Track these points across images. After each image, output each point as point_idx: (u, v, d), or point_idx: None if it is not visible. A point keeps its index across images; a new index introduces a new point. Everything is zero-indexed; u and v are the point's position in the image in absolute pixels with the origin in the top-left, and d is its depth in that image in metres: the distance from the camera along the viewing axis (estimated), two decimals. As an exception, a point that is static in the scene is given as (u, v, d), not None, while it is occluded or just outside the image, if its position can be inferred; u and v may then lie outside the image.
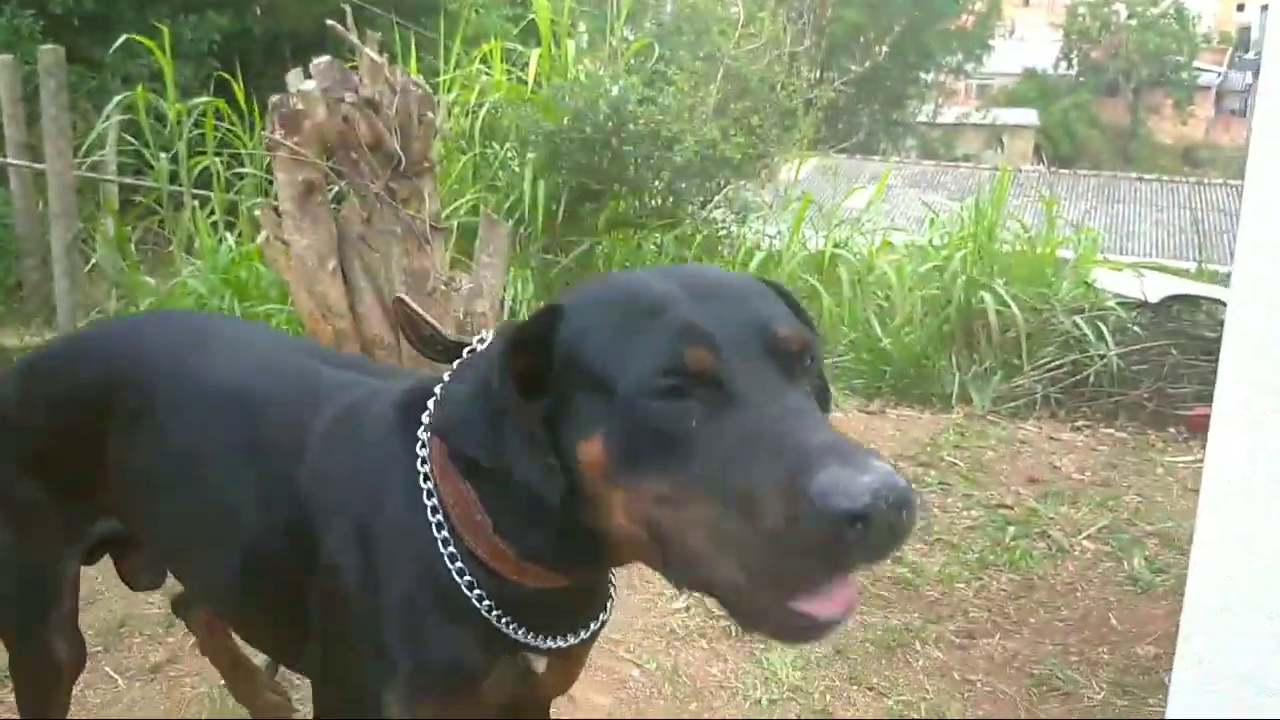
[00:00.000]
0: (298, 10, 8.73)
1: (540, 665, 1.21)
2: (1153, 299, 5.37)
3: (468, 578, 1.12)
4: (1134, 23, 33.24)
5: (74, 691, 1.75)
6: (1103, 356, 4.99)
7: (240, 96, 6.16)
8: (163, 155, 6.13)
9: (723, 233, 6.77)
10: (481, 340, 1.19)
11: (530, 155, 6.08)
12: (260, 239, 3.81)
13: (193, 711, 2.27)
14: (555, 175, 6.11)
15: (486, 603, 1.12)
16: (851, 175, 7.63)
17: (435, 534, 1.12)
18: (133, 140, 6.40)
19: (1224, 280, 6.19)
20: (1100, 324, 5.15)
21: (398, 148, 3.61)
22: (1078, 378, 5.01)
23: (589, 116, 5.72)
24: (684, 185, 6.44)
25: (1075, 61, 34.78)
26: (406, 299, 1.39)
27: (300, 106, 2.91)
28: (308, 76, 2.97)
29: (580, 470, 0.98)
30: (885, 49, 12.40)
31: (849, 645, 2.65)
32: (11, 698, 1.71)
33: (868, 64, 10.90)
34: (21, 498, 1.52)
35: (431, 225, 3.89)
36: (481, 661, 1.16)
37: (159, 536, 1.48)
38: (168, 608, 2.52)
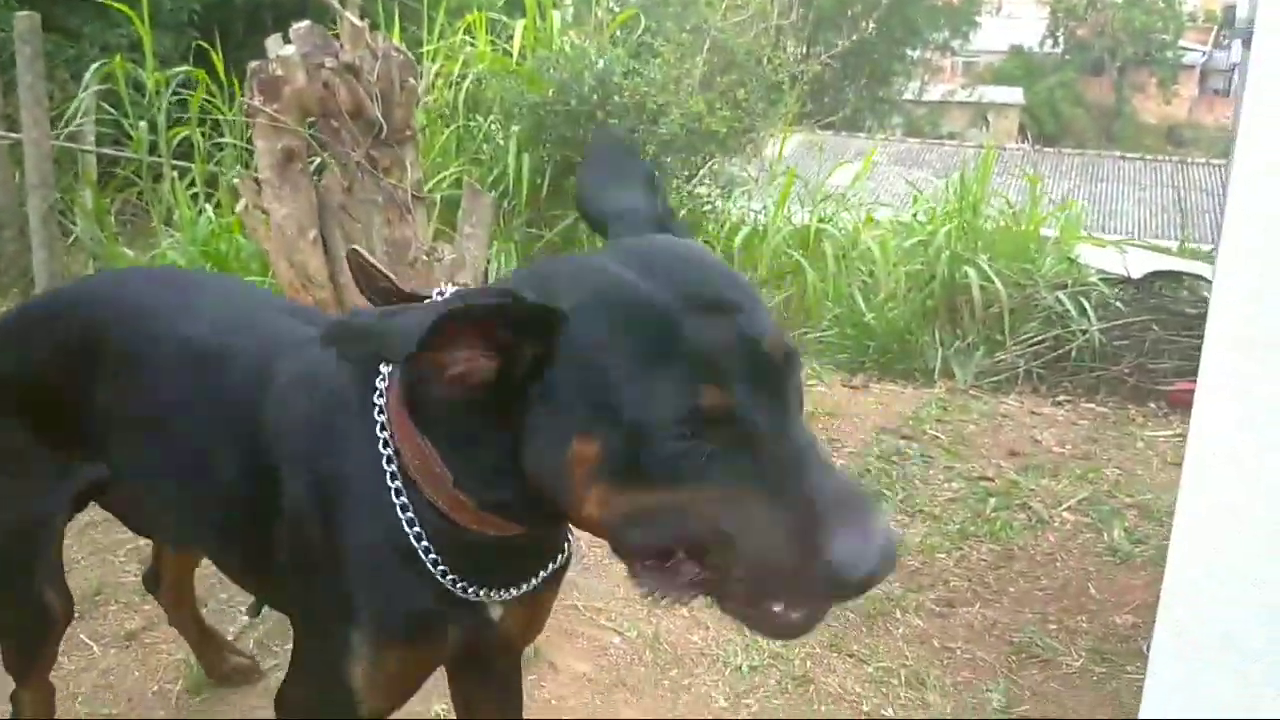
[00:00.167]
0: (279, -20, 8.63)
1: (496, 613, 1.24)
2: (1135, 275, 5.38)
3: (417, 529, 1.14)
4: (1120, 0, 33.19)
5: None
6: (1084, 332, 5.00)
7: (220, 67, 6.09)
8: (142, 125, 6.06)
9: (707, 208, 6.75)
10: (441, 294, 1.18)
11: (514, 128, 6.03)
12: (239, 208, 3.77)
13: (168, 678, 2.26)
14: (540, 148, 6.07)
15: (433, 556, 1.15)
16: (837, 152, 7.60)
17: (390, 484, 1.14)
18: (111, 110, 6.31)
19: (1206, 257, 6.23)
20: (1083, 300, 5.16)
21: (379, 114, 3.57)
22: (1059, 352, 5.02)
23: (574, 89, 5.68)
24: (669, 159, 6.41)
25: (1061, 39, 34.73)
26: (360, 250, 1.39)
27: (280, 72, 2.87)
28: (287, 42, 2.93)
29: (565, 459, 0.97)
30: (872, 24, 12.33)
31: (830, 613, 2.66)
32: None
33: (854, 39, 10.84)
34: (8, 445, 1.53)
35: (413, 194, 3.85)
36: (437, 611, 1.19)
37: (143, 480, 1.50)
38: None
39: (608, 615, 2.61)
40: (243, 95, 3.31)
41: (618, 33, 6.60)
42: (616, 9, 7.03)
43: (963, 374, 4.97)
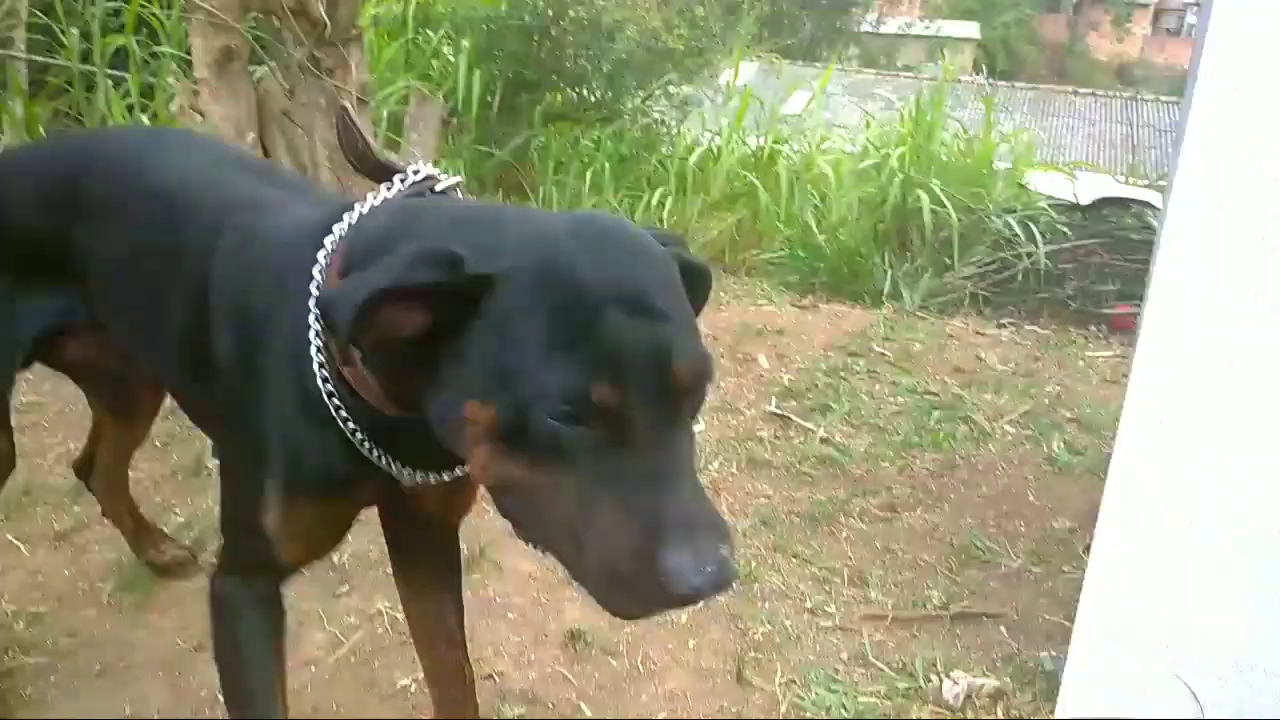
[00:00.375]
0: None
1: (407, 481, 1.25)
2: (1084, 202, 5.42)
3: (336, 400, 1.17)
4: (1078, -63, 33.06)
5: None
6: (1031, 255, 5.04)
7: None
8: (74, 32, 5.79)
9: (662, 128, 6.66)
10: (416, 172, 1.24)
11: (465, 43, 5.87)
12: (174, 108, 3.63)
13: (100, 577, 2.21)
14: (491, 65, 5.92)
15: (351, 425, 1.18)
16: (793, 80, 7.50)
17: (314, 356, 1.16)
18: (43, 15, 6.02)
19: (1154, 186, 6.27)
20: (1031, 225, 5.20)
21: (323, 13, 3.44)
22: (1005, 275, 5.06)
23: (527, 2, 5.53)
24: (625, 78, 6.30)
25: (1020, -26, 34.57)
26: (349, 109, 1.45)
27: (215, -40, 2.74)
28: (222, -72, 2.79)
29: (459, 417, 1.00)
30: (830, -49, 12.16)
31: (775, 517, 2.68)
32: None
33: (812, -35, 10.68)
34: None
35: (358, 98, 3.73)
36: (347, 468, 1.22)
37: (113, 319, 1.55)
38: (74, 477, 2.44)
39: (553, 519, 2.60)
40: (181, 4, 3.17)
41: (572, -55, 6.41)
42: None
43: (910, 295, 4.99)
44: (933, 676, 2.06)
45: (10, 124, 5.47)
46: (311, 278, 1.16)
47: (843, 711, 1.95)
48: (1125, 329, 4.81)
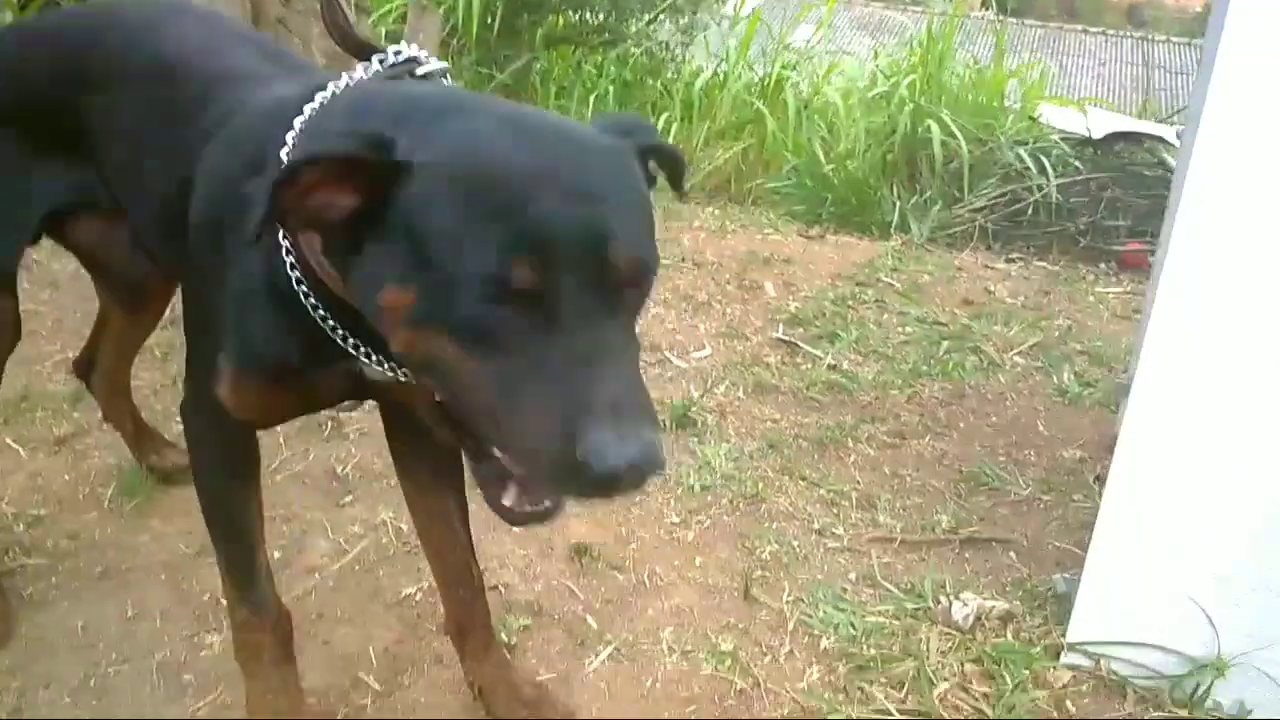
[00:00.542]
0: None
1: (371, 373, 1.24)
2: (1097, 135, 5.32)
3: (298, 274, 1.15)
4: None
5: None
6: (1042, 189, 4.96)
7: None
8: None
9: (667, 54, 6.52)
10: (398, 53, 1.23)
11: (465, -42, 5.69)
12: (169, 11, 3.51)
13: (100, 482, 2.17)
14: (491, -19, 5.75)
15: (312, 301, 1.16)
16: (801, 6, 7.33)
17: (279, 237, 1.15)
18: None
19: (1167, 122, 6.17)
20: (1042, 157, 5.10)
21: (320, -88, 3.31)
22: (1015, 208, 4.98)
23: (529, -85, 5.35)
24: (629, 0, 6.14)
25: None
26: None
27: None
28: None
29: (380, 300, 0.99)
30: (842, -123, 11.81)
31: (782, 440, 2.65)
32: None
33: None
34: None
35: (356, 5, 3.62)
36: (305, 360, 1.22)
37: (120, 194, 1.53)
38: (73, 384, 2.40)
39: (559, 437, 2.56)
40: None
41: None
42: None
43: (919, 228, 4.92)
44: (941, 598, 2.04)
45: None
46: (279, 159, 1.13)
47: (850, 630, 1.94)
48: (1135, 266, 4.75)
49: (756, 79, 5.97)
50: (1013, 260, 4.79)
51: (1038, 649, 1.88)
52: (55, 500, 2.11)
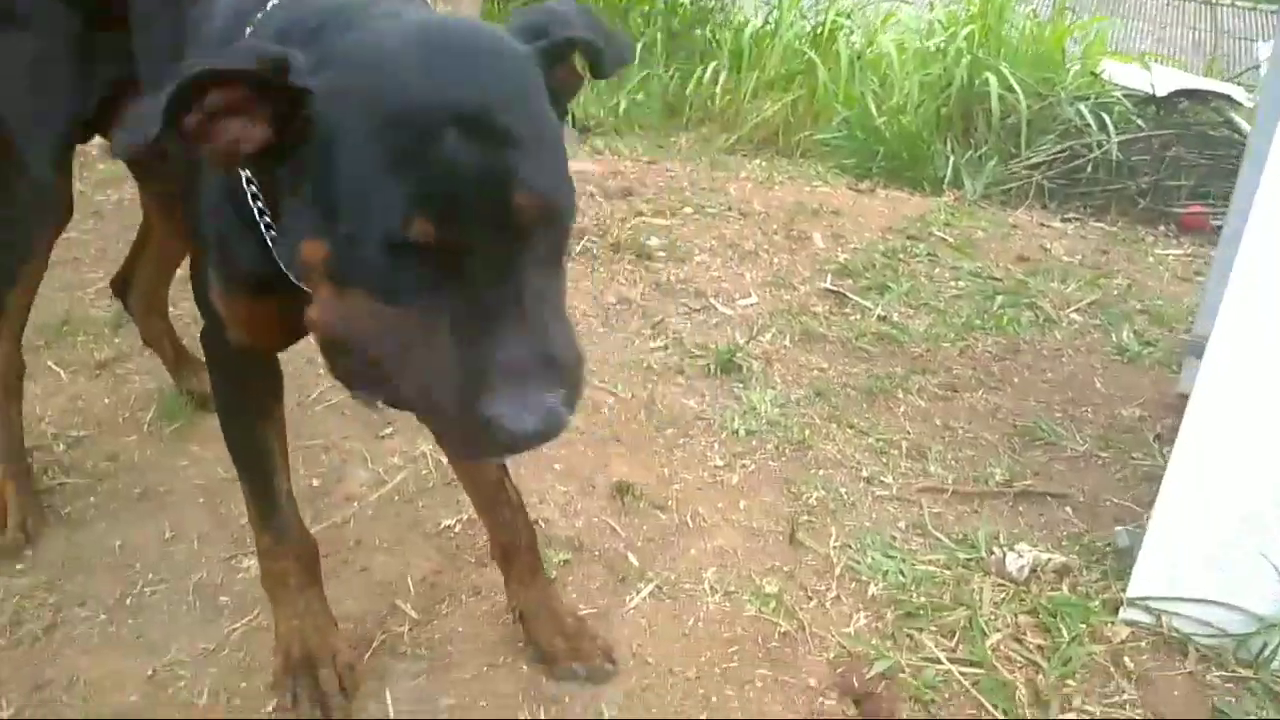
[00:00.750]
0: None
1: None
2: (1161, 93, 5.13)
3: (260, 204, 1.11)
4: None
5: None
6: (1102, 145, 4.79)
7: None
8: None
9: (716, 2, 6.38)
10: None
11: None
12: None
13: (140, 406, 2.15)
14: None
15: (273, 233, 1.12)
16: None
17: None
18: None
19: (1236, 80, 5.94)
20: (1103, 114, 4.93)
21: None
22: (1074, 165, 4.82)
23: None
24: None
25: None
26: None
27: None
28: None
29: (299, 255, 0.96)
30: None
31: (830, 389, 2.58)
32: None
33: None
34: (60, 34, 1.54)
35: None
36: (277, 279, 1.14)
37: (145, 73, 1.48)
38: (115, 310, 2.38)
39: (601, 378, 2.51)
40: None
41: None
42: None
43: (973, 184, 4.78)
44: (995, 549, 1.97)
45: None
46: None
47: (900, 577, 1.88)
48: (1196, 228, 4.59)
49: (808, 28, 5.81)
50: (1069, 220, 4.63)
51: (1095, 603, 1.81)
52: (95, 422, 2.10)
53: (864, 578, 1.88)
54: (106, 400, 2.17)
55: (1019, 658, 1.69)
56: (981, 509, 2.15)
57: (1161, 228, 4.71)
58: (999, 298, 3.34)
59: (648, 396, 2.44)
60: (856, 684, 1.59)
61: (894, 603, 1.81)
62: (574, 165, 3.83)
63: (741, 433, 2.33)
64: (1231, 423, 1.70)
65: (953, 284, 3.47)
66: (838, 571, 1.89)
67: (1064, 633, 1.73)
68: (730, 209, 3.92)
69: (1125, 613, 1.79)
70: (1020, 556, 1.91)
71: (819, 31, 5.72)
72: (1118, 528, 2.03)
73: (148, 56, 1.44)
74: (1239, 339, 1.68)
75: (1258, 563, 1.70)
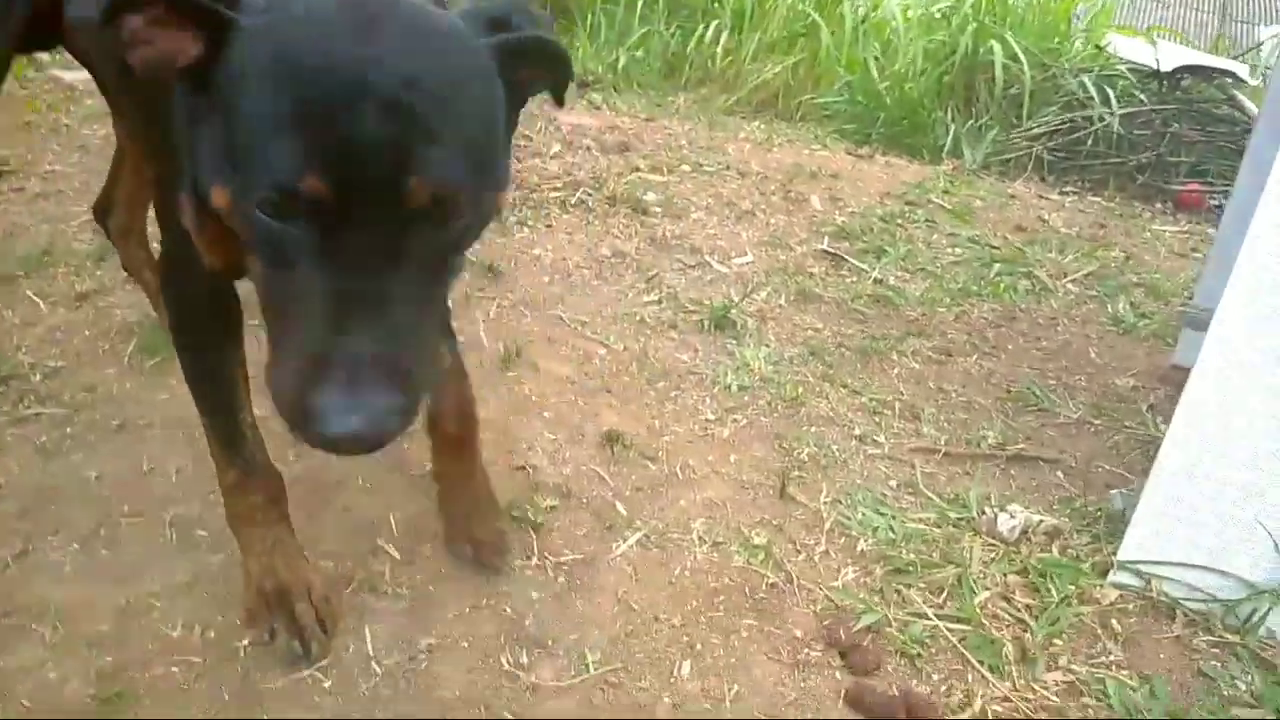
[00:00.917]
0: None
1: None
2: (1166, 68, 5.08)
3: None
4: None
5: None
6: (1104, 119, 4.75)
7: None
8: None
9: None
10: None
11: None
12: None
13: (120, 339, 2.11)
14: None
15: None
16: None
17: None
18: None
19: (1242, 57, 5.89)
20: (1107, 87, 4.88)
21: None
22: (1074, 137, 4.78)
23: None
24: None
25: None
26: None
27: None
28: None
29: (210, 195, 0.94)
30: None
31: (824, 348, 2.55)
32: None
33: None
34: None
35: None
36: None
37: None
38: (97, 243, 2.33)
39: (593, 329, 2.48)
40: None
41: None
42: None
43: (972, 154, 4.74)
44: (986, 510, 1.95)
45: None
46: None
47: (890, 534, 1.86)
48: (1192, 206, 4.56)
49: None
50: (1067, 193, 4.60)
51: (1085, 566, 1.80)
52: (74, 354, 2.05)
53: (854, 533, 1.86)
54: (86, 332, 2.12)
55: (1007, 616, 1.67)
56: (973, 471, 2.12)
57: (1158, 204, 4.68)
58: (996, 265, 3.31)
59: (640, 349, 2.41)
60: (843, 636, 1.57)
61: (883, 558, 1.79)
62: (571, 118, 3.76)
63: (734, 388, 2.29)
64: (1232, 392, 1.68)
65: (950, 250, 3.44)
66: (827, 526, 1.87)
67: (1053, 593, 1.71)
68: (728, 168, 3.87)
69: (1114, 576, 1.77)
70: (1012, 517, 1.89)
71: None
72: (1112, 491, 2.01)
73: None
74: (1245, 311, 1.65)
75: (1250, 530, 1.68)
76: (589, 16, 5.52)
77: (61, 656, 1.40)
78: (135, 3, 0.90)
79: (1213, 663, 1.62)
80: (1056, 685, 1.53)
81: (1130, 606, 1.73)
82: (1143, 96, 4.93)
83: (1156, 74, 5.08)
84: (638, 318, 2.57)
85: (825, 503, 1.93)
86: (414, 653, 1.48)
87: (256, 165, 0.86)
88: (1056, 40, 5.16)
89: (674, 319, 2.60)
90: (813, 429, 2.19)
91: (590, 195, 3.29)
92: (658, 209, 3.29)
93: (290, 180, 0.85)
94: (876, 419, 2.27)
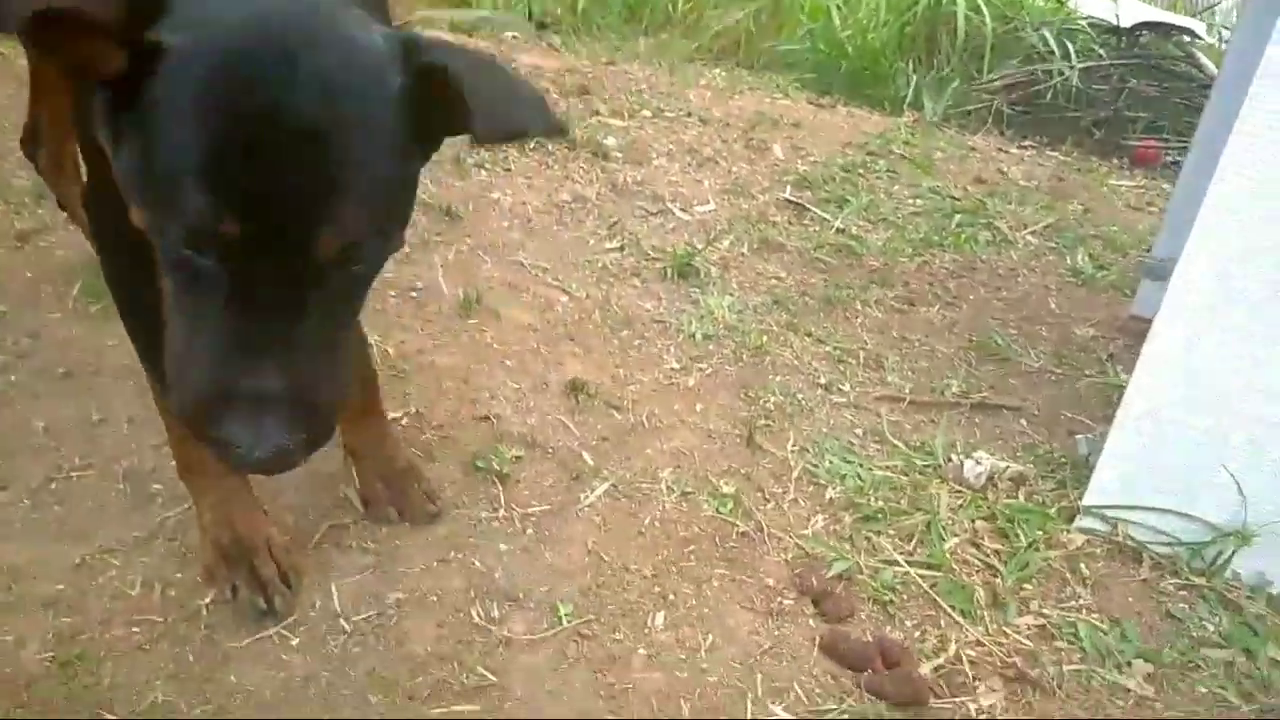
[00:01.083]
0: None
1: None
2: (1126, 24, 5.09)
3: None
4: None
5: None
6: (1063, 74, 4.76)
7: None
8: None
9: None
10: None
11: None
12: None
13: (65, 281, 2.02)
14: None
15: None
16: None
17: None
18: None
19: (1199, 14, 5.92)
20: (1067, 41, 4.88)
21: None
22: (1034, 90, 4.78)
23: None
24: None
25: None
26: None
27: None
28: None
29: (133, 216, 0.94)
30: None
31: (788, 297, 2.53)
32: None
33: None
34: None
35: None
36: None
37: None
38: (38, 179, 2.22)
39: (554, 275, 2.43)
40: None
41: None
42: None
43: (933, 106, 4.72)
44: (953, 456, 1.95)
45: None
46: None
47: (858, 482, 1.85)
48: (1147, 162, 4.60)
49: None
50: (1026, 146, 4.61)
51: (1051, 511, 1.81)
52: (15, 297, 1.96)
53: (822, 481, 1.85)
54: (28, 274, 2.03)
55: (977, 562, 1.68)
56: (938, 419, 2.13)
57: (1115, 160, 4.71)
58: (957, 216, 3.30)
59: (602, 297, 2.37)
60: (815, 584, 1.57)
61: (851, 506, 1.79)
62: (528, 59, 3.65)
63: (698, 337, 2.27)
64: (1195, 336, 1.69)
65: (911, 201, 3.42)
66: (795, 475, 1.86)
67: (1021, 539, 1.72)
68: (690, 115, 3.81)
69: (1081, 521, 1.79)
70: (978, 464, 1.89)
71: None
72: (1077, 436, 2.03)
73: None
74: (1209, 256, 1.66)
75: (1214, 473, 1.70)
76: (547, -42, 5.39)
77: (17, 618, 1.35)
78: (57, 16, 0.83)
79: (1181, 605, 1.65)
80: (1028, 629, 1.54)
81: (1098, 551, 1.75)
82: (1102, 51, 4.94)
83: (1116, 29, 5.10)
84: (600, 264, 2.53)
85: (792, 451, 1.92)
86: (382, 608, 1.45)
87: (173, 202, 0.87)
88: (1019, -9, 5.14)
89: (636, 266, 2.56)
90: (778, 378, 2.18)
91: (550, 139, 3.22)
92: (619, 154, 3.23)
93: (204, 224, 0.86)
94: (841, 368, 2.27)
